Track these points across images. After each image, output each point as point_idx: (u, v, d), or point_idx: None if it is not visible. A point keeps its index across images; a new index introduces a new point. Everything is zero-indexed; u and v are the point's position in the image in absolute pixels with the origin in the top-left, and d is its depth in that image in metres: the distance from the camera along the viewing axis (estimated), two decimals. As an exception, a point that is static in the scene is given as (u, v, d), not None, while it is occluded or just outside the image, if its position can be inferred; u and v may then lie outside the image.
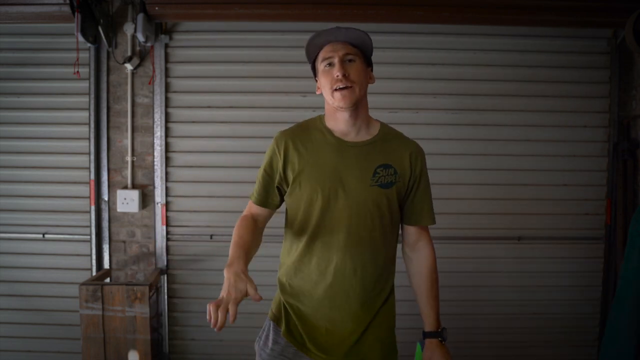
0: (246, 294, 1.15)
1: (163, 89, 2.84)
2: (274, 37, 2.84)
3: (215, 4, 2.65)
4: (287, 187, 1.44)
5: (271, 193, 1.46)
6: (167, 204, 2.88)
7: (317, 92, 1.45)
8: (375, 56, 2.86)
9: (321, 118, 1.47)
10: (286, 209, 1.51)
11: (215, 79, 2.87)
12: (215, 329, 1.09)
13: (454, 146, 2.88)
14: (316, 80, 1.46)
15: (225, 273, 1.20)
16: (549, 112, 2.88)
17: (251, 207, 1.50)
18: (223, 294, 1.14)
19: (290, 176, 1.41)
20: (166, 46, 2.85)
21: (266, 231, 1.54)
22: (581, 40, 2.87)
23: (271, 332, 1.49)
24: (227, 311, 1.11)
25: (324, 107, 2.70)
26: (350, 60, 1.36)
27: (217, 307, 1.10)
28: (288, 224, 1.50)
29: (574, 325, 2.95)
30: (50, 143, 2.88)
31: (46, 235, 2.88)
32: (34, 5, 2.66)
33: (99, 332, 2.47)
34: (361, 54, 1.39)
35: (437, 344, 1.39)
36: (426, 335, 1.44)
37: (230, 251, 1.31)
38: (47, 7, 2.66)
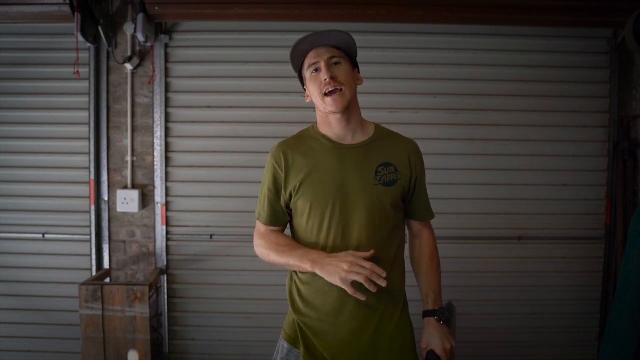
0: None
1: (163, 89, 2.84)
2: (274, 37, 2.84)
3: (215, 4, 2.65)
4: (291, 198, 1.42)
5: (280, 211, 1.44)
6: (167, 204, 2.88)
7: (307, 100, 1.45)
8: (376, 56, 2.89)
9: (314, 127, 1.47)
10: (291, 220, 1.49)
11: (215, 79, 2.87)
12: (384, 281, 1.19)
13: (454, 146, 2.88)
14: (304, 89, 1.46)
15: (326, 266, 1.26)
16: (549, 112, 2.88)
17: (266, 228, 1.48)
18: (353, 271, 1.21)
19: (294, 187, 1.40)
20: (166, 46, 2.85)
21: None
22: (581, 40, 2.87)
23: (287, 354, 1.44)
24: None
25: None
26: (336, 63, 1.36)
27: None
28: (294, 233, 1.48)
29: (574, 325, 2.95)
30: (50, 143, 2.88)
31: (46, 235, 2.88)
32: (34, 5, 2.66)
33: (99, 332, 2.47)
34: (346, 56, 1.39)
35: (432, 323, 1.35)
36: (424, 314, 1.41)
37: (292, 255, 1.35)
38: (47, 7, 2.66)
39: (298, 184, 1.38)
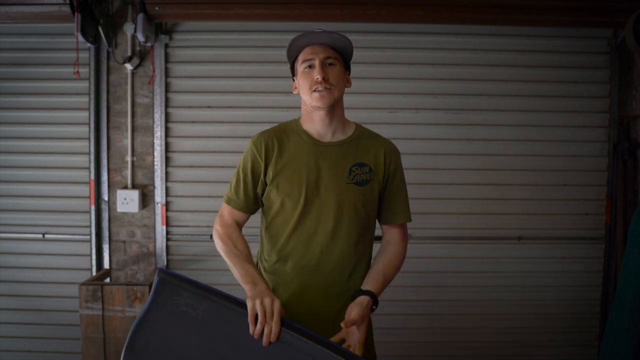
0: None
1: (163, 89, 2.84)
2: (274, 37, 2.84)
3: (215, 4, 2.65)
4: (264, 188, 1.45)
5: (253, 197, 1.46)
6: (167, 204, 2.88)
7: (294, 91, 1.47)
8: (376, 56, 2.89)
9: (297, 121, 1.49)
10: (262, 211, 1.51)
11: (215, 79, 2.87)
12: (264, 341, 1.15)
13: (454, 146, 2.88)
14: (293, 80, 1.48)
15: (254, 293, 1.22)
16: (549, 112, 2.88)
17: (232, 213, 1.47)
18: (260, 312, 1.17)
19: (269, 177, 1.42)
20: (166, 46, 2.85)
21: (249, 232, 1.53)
22: (581, 40, 2.87)
23: None
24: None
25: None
26: (330, 64, 1.38)
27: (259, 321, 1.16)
28: (264, 225, 1.50)
29: (574, 325, 2.95)
30: (50, 143, 2.88)
31: (46, 235, 2.88)
32: (34, 5, 2.66)
33: (99, 332, 2.47)
34: (341, 58, 1.42)
35: (356, 303, 1.33)
36: (357, 293, 1.38)
37: (241, 267, 1.32)
38: (47, 7, 2.65)
39: (274, 175, 1.41)
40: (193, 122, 2.89)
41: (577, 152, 2.89)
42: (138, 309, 2.47)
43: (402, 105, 2.87)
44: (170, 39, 2.85)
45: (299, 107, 3.02)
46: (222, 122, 2.88)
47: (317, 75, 1.35)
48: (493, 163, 2.89)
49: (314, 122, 1.43)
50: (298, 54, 1.43)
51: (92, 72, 2.82)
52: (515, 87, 2.88)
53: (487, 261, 2.92)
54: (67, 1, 2.51)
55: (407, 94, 2.87)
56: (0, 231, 2.89)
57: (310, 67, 1.38)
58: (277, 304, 1.19)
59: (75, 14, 2.49)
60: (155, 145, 2.86)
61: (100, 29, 2.69)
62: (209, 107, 2.88)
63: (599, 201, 2.91)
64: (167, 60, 2.86)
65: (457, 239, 2.90)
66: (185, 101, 2.88)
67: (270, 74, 2.85)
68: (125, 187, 2.86)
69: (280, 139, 1.44)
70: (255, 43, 2.85)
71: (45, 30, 2.83)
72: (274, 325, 1.15)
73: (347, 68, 1.46)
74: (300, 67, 1.41)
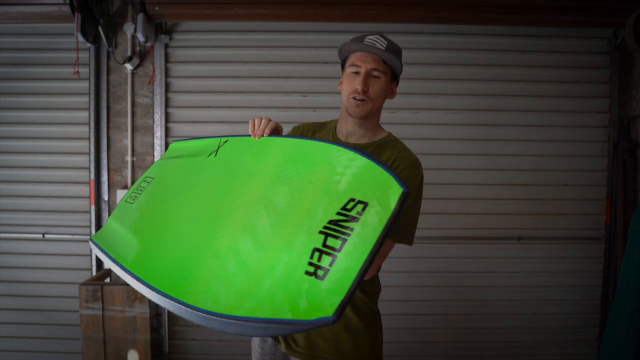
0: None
1: (163, 89, 2.84)
2: (274, 37, 2.84)
3: (215, 4, 2.65)
4: None
5: None
6: (167, 204, 2.88)
7: (338, 87, 1.48)
8: (375, 56, 2.87)
9: (336, 120, 1.54)
10: None
11: (215, 79, 2.88)
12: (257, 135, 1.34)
13: (454, 146, 2.88)
14: (342, 73, 1.49)
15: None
16: (549, 112, 2.88)
17: None
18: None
19: None
20: (166, 46, 2.85)
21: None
22: (581, 40, 2.87)
23: (270, 348, 1.49)
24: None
25: (323, 107, 2.69)
26: (375, 76, 1.39)
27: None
28: None
29: (574, 325, 2.95)
30: (50, 143, 2.88)
31: (46, 235, 2.88)
32: (34, 5, 2.66)
33: (99, 332, 2.47)
34: (389, 71, 1.42)
35: None
36: None
37: None
38: (47, 7, 2.66)
39: None
40: (193, 122, 2.89)
41: (577, 152, 2.89)
42: (138, 309, 2.47)
43: (402, 105, 2.87)
44: (170, 39, 2.85)
45: (299, 107, 3.03)
46: (222, 122, 2.88)
47: (358, 85, 1.36)
48: (493, 163, 2.89)
49: (347, 122, 1.46)
50: (350, 54, 1.43)
51: (92, 72, 2.82)
52: (515, 87, 2.88)
53: (488, 261, 2.92)
54: (67, 1, 2.52)
55: (407, 94, 2.87)
56: (0, 231, 2.89)
57: (356, 73, 1.39)
58: (268, 120, 1.36)
59: (75, 14, 2.49)
60: (155, 145, 2.86)
61: (100, 29, 2.69)
62: (209, 107, 2.88)
63: (599, 201, 2.91)
64: (167, 60, 2.86)
65: (457, 239, 2.90)
66: (185, 101, 2.88)
67: (270, 74, 2.84)
68: (125, 187, 2.86)
69: (314, 131, 1.53)
70: (255, 43, 2.85)
71: (45, 30, 2.83)
72: (262, 123, 1.35)
73: (394, 79, 1.47)
74: (348, 68, 1.42)
